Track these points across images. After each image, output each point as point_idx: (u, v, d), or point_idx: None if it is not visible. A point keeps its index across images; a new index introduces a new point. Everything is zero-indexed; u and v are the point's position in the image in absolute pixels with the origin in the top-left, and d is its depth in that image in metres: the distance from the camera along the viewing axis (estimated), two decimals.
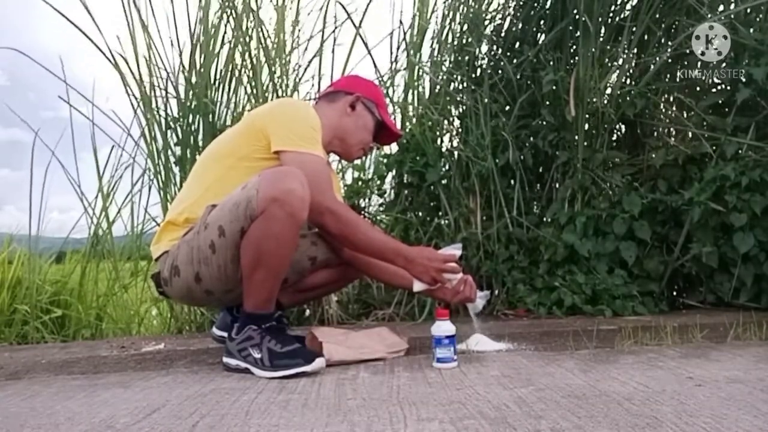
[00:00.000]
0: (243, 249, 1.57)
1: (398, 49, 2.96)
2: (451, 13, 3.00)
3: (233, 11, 2.71)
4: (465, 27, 2.96)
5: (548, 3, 2.94)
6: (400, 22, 2.94)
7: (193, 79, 2.68)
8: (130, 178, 2.77)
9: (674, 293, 2.74)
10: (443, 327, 1.60)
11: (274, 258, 1.57)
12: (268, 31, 2.77)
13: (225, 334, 1.79)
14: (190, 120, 2.65)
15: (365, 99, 1.93)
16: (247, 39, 2.72)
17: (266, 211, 1.52)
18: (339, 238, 1.74)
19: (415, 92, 2.94)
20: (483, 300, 1.84)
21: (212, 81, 2.70)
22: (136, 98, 2.70)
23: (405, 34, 2.95)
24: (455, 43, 2.97)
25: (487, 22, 3.03)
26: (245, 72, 2.74)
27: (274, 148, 1.67)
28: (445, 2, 3.00)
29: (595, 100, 2.70)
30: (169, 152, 2.67)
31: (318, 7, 2.85)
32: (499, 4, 3.05)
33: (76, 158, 2.72)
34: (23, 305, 2.53)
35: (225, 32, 2.74)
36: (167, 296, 1.83)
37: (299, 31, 2.87)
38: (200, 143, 2.63)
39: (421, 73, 2.96)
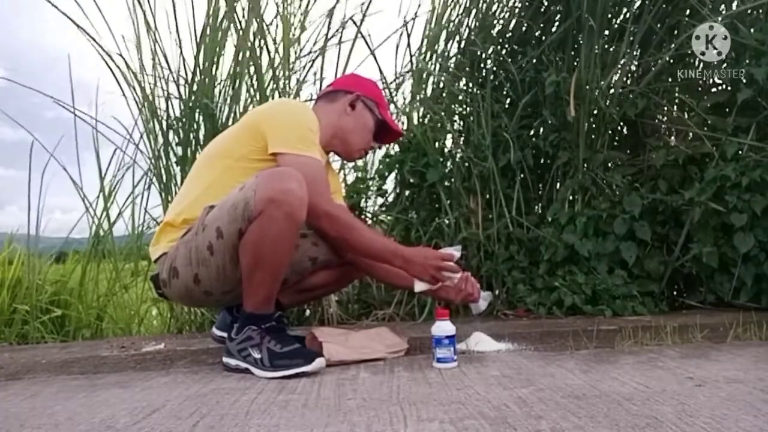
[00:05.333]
0: (242, 250, 1.57)
1: (404, 51, 2.97)
2: (460, 17, 3.00)
3: (238, 13, 2.71)
4: (473, 29, 2.96)
5: (552, 4, 2.94)
6: (405, 24, 2.94)
7: (197, 80, 2.68)
8: (131, 179, 2.78)
9: (674, 293, 2.74)
10: (443, 327, 1.60)
11: (273, 258, 1.57)
12: (271, 33, 2.78)
13: (225, 335, 1.79)
14: (192, 120, 2.65)
15: (365, 98, 1.92)
16: (251, 40, 2.73)
17: (264, 212, 1.52)
18: (336, 241, 1.74)
19: (420, 94, 2.94)
20: (486, 301, 1.85)
21: (215, 81, 2.70)
22: (138, 98, 2.71)
23: (410, 37, 2.96)
24: (461, 44, 2.98)
25: (494, 23, 3.03)
26: (248, 73, 2.74)
27: (271, 150, 1.66)
28: (455, 6, 3.00)
29: (597, 99, 2.70)
30: (171, 152, 2.67)
31: (322, 9, 2.87)
32: (506, 7, 3.05)
33: (79, 159, 2.74)
34: (23, 305, 2.53)
35: (229, 33, 2.74)
36: (166, 297, 1.83)
37: (302, 34, 2.87)
38: (202, 143, 2.63)
39: (427, 77, 2.96)
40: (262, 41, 2.73)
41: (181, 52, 2.70)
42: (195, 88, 2.67)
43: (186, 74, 2.69)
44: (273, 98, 2.74)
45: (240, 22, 2.71)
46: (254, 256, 1.55)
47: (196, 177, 1.79)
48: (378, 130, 1.96)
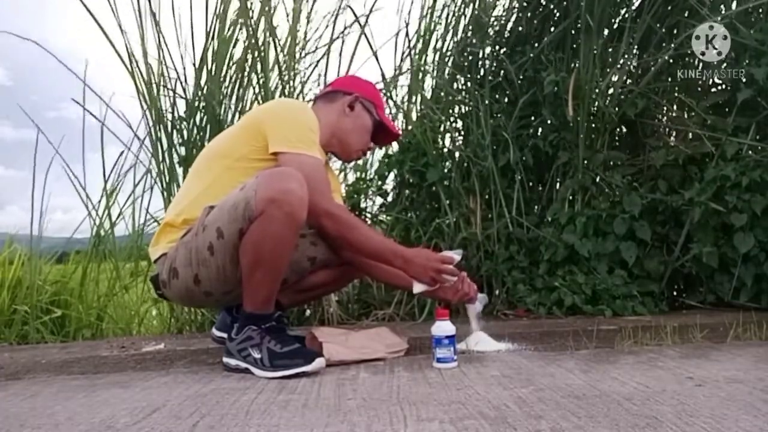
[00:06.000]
0: (242, 250, 1.57)
1: (403, 51, 2.97)
2: (457, 15, 3.00)
3: (248, 15, 2.71)
4: (470, 28, 2.96)
5: (551, 3, 2.94)
6: (406, 24, 2.94)
7: (203, 80, 2.68)
8: (133, 179, 2.78)
9: (674, 293, 2.74)
10: (443, 327, 1.60)
11: (273, 258, 1.57)
12: (278, 35, 2.78)
13: (224, 335, 1.79)
14: (197, 120, 2.65)
15: (364, 99, 1.92)
16: (259, 41, 2.72)
17: (265, 212, 1.52)
18: (337, 240, 1.74)
19: (419, 94, 2.94)
20: (482, 303, 1.85)
21: (222, 82, 2.70)
22: (143, 98, 2.70)
23: (409, 36, 2.96)
24: (459, 43, 2.98)
25: (492, 22, 3.03)
26: (254, 73, 2.74)
27: (272, 150, 1.67)
28: (451, 4, 3.00)
29: (595, 99, 2.70)
30: (174, 152, 2.67)
31: (328, 10, 2.87)
32: (503, 7, 3.06)
33: (84, 158, 2.74)
34: (23, 305, 2.53)
35: (237, 34, 2.75)
36: (166, 298, 1.83)
37: (307, 35, 2.88)
38: (206, 143, 2.63)
39: (424, 75, 2.96)
40: (269, 41, 2.73)
41: (189, 50, 2.71)
42: (200, 87, 2.67)
43: (195, 74, 2.69)
44: (276, 98, 2.74)
45: (250, 22, 2.71)
46: (254, 255, 1.55)
47: (195, 177, 1.79)
48: (376, 131, 1.97)
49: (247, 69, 2.74)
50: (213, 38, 2.69)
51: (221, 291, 1.68)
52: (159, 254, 1.73)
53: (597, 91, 2.70)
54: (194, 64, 2.69)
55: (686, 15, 2.82)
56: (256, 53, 2.71)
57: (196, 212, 1.67)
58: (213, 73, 2.68)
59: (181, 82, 2.70)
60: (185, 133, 2.67)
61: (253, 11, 2.72)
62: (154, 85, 2.69)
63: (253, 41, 2.70)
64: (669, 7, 2.84)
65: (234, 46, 2.73)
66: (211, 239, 1.59)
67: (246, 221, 1.54)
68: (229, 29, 2.71)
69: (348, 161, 2.13)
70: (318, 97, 1.99)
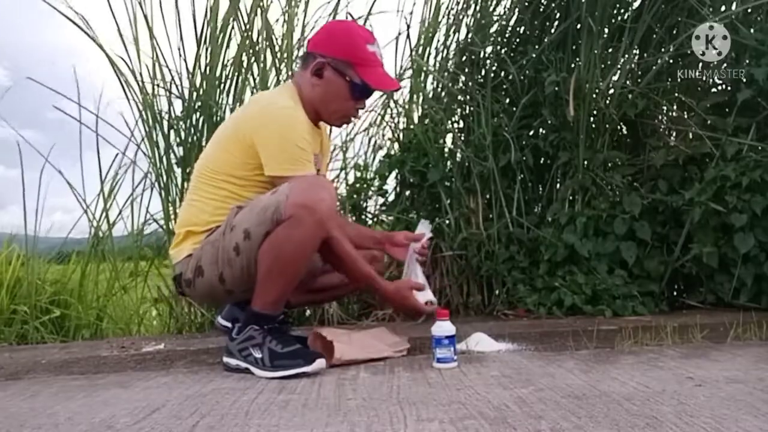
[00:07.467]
0: (263, 249, 1.59)
1: (404, 51, 2.97)
2: (459, 16, 3.00)
3: (241, 13, 2.71)
4: (471, 28, 2.96)
5: (552, 4, 2.94)
6: (407, 25, 2.94)
7: (198, 80, 2.67)
8: (132, 179, 2.77)
9: (674, 293, 2.73)
10: (443, 327, 1.60)
11: (293, 262, 1.59)
12: (275, 34, 2.77)
13: (229, 325, 1.79)
14: (194, 120, 2.65)
15: (334, 61, 1.74)
16: (254, 40, 2.72)
17: (293, 216, 1.55)
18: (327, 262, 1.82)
19: (421, 94, 2.94)
20: (427, 229, 1.94)
21: (218, 82, 2.69)
22: (138, 98, 2.70)
23: (410, 37, 2.95)
24: (460, 44, 2.97)
25: (493, 22, 3.03)
26: (251, 73, 2.74)
27: (267, 173, 1.68)
28: (453, 4, 3.00)
29: (596, 99, 2.70)
30: (171, 153, 2.67)
31: (325, 8, 2.86)
32: (504, 7, 3.05)
33: (82, 159, 2.73)
34: (23, 305, 2.53)
35: (233, 33, 2.74)
36: (186, 296, 1.85)
37: (306, 34, 2.87)
38: (204, 144, 2.62)
39: (426, 75, 2.96)
40: (266, 40, 2.73)
41: (182, 51, 2.70)
42: (197, 86, 2.66)
43: (190, 74, 2.68)
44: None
45: (243, 20, 2.70)
46: (274, 257, 1.58)
47: (204, 192, 1.78)
48: (363, 89, 1.79)
49: (243, 70, 2.73)
50: (207, 37, 2.68)
51: (242, 289, 1.71)
52: (183, 255, 1.75)
53: (597, 91, 2.70)
54: (187, 64, 2.69)
55: (686, 15, 2.82)
56: (252, 53, 2.70)
57: (219, 220, 1.70)
58: (209, 72, 2.67)
59: (175, 84, 2.70)
60: (183, 133, 2.66)
61: (247, 10, 2.71)
62: (149, 86, 2.69)
63: (247, 41, 2.70)
64: (669, 7, 2.84)
65: (228, 46, 2.73)
66: (238, 240, 1.62)
67: (273, 224, 1.57)
68: (220, 30, 2.69)
69: (335, 126, 2.07)
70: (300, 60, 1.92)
